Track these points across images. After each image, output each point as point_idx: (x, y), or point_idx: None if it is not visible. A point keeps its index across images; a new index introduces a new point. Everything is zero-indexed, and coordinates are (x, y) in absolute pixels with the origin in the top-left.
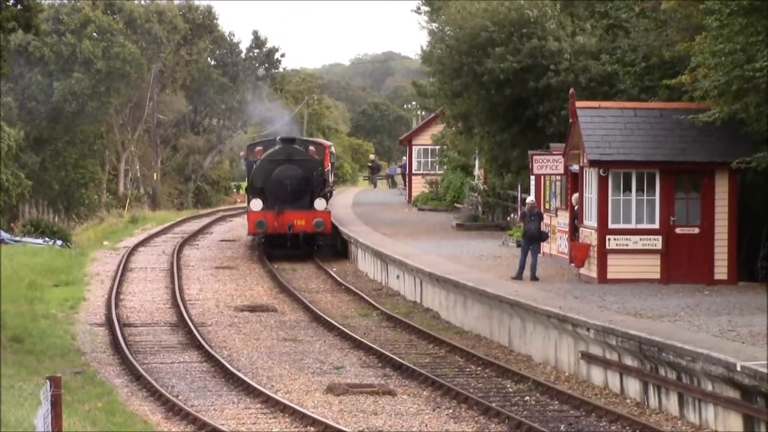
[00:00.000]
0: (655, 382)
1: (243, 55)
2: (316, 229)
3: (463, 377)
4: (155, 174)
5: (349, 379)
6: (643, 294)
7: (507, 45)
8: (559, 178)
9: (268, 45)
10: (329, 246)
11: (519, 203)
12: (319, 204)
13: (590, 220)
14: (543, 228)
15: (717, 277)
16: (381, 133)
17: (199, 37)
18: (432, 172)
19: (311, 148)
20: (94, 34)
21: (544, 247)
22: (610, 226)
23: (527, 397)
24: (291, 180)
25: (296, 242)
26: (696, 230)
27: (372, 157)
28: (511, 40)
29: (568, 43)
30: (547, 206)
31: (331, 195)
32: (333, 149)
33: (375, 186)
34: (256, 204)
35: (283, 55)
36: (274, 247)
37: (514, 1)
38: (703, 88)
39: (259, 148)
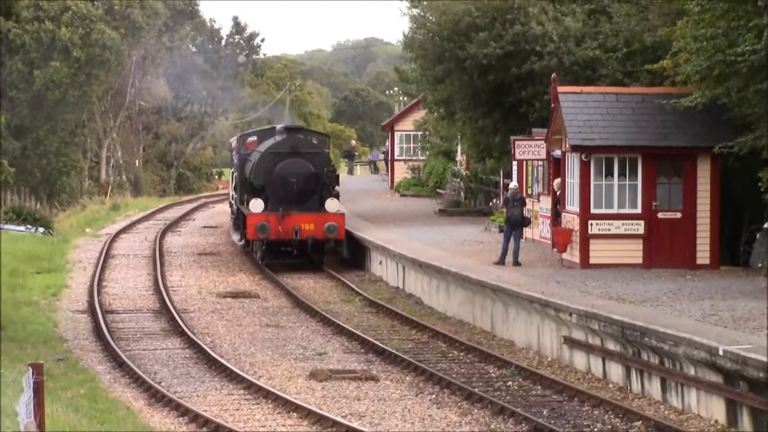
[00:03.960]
0: (638, 367)
1: (224, 42)
2: (327, 234)
3: (445, 363)
4: (137, 161)
5: (331, 365)
6: (626, 279)
7: (490, 30)
8: (541, 163)
9: (249, 30)
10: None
11: (501, 189)
12: (332, 205)
13: (572, 205)
14: (525, 213)
15: (699, 261)
16: (363, 119)
17: (181, 23)
18: (414, 158)
19: (316, 140)
20: (72, 20)
21: (527, 232)
22: (593, 211)
23: (510, 383)
24: (297, 177)
25: (303, 250)
26: (678, 215)
27: (353, 143)
28: (494, 25)
29: (552, 26)
30: (529, 191)
31: None
32: None
33: (350, 173)
34: (257, 205)
35: (263, 40)
36: (275, 257)
37: None
38: (685, 73)
39: (252, 138)
